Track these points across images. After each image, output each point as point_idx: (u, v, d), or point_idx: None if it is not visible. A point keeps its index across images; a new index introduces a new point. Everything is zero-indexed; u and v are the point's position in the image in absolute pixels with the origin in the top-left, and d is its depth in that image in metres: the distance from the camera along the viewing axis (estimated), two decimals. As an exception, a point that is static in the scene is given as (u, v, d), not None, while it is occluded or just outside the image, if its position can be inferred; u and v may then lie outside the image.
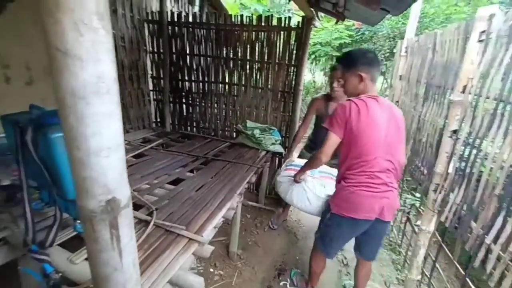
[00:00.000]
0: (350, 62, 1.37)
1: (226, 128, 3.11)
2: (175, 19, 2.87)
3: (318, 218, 2.58)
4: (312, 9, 2.24)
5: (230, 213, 1.53)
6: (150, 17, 2.99)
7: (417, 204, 2.02)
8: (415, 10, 2.92)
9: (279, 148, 2.59)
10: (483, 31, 1.38)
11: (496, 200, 1.14)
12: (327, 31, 5.07)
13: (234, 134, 3.01)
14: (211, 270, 1.91)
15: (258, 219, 2.63)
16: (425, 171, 1.92)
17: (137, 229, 1.23)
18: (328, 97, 2.09)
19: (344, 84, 1.43)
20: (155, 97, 3.29)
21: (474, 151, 1.35)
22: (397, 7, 1.55)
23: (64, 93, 0.45)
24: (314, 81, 7.38)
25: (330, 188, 1.69)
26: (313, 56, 6.08)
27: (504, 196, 1.10)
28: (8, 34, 1.79)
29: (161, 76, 3.11)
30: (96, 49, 0.44)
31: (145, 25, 3.01)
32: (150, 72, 3.22)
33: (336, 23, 2.75)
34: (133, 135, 2.77)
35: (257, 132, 2.60)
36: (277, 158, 2.88)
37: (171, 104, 3.23)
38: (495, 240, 1.11)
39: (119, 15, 2.69)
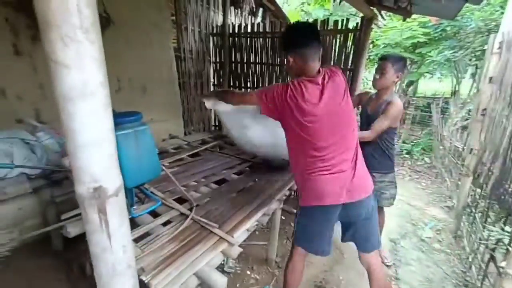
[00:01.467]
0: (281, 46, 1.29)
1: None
2: (235, 31, 3.08)
3: None
4: (372, 8, 2.07)
5: (265, 219, 1.54)
6: (215, 31, 3.30)
7: (506, 240, 1.58)
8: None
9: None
10: None
11: None
12: (396, 30, 4.51)
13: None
14: (248, 272, 1.94)
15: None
16: (517, 199, 1.50)
17: (177, 221, 1.36)
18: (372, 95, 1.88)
19: (289, 70, 1.30)
20: (215, 103, 3.59)
21: None
22: None
23: (57, 96, 0.55)
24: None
25: None
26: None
27: None
28: (106, 51, 2.28)
29: (221, 83, 3.37)
30: (81, 58, 0.53)
31: (211, 38, 3.34)
32: (212, 80, 3.54)
33: (404, 20, 2.45)
34: (193, 136, 3.08)
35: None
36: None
37: (228, 110, 3.46)
38: None
39: (189, 31, 3.07)
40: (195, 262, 1.10)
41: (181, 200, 1.57)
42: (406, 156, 4.80)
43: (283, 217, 2.65)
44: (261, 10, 4.41)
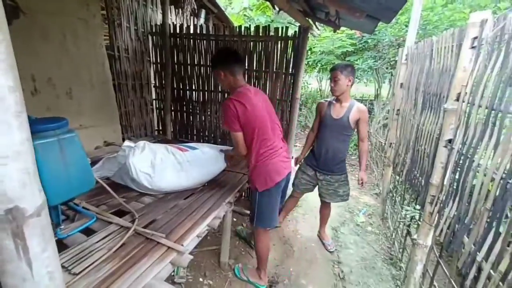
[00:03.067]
0: (212, 64, 1.66)
1: (226, 137, 3.13)
2: (177, 31, 2.96)
3: (317, 228, 2.55)
4: (307, 18, 2.26)
5: (216, 222, 1.52)
6: (153, 30, 3.10)
7: (417, 217, 1.92)
8: (414, 17, 2.88)
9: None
10: (475, 37, 1.34)
11: (487, 214, 1.07)
12: (329, 40, 5.07)
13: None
14: (201, 279, 1.88)
15: (254, 228, 2.59)
16: (423, 182, 1.84)
17: (117, 235, 1.24)
18: (331, 101, 2.15)
19: (222, 81, 1.66)
20: (157, 106, 3.38)
21: (467, 162, 1.28)
22: (385, 14, 1.53)
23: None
24: (320, 89, 7.35)
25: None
26: (319, 65, 6.08)
27: (495, 210, 1.03)
28: (16, 46, 1.90)
29: (164, 85, 3.19)
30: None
31: (149, 37, 3.13)
32: (153, 82, 3.32)
33: (334, 32, 2.75)
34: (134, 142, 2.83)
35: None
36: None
37: (173, 113, 3.30)
38: (486, 257, 1.03)
39: (123, 28, 2.81)
40: (140, 278, 1.01)
41: (121, 213, 1.43)
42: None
43: (234, 219, 2.67)
44: (203, 12, 4.34)
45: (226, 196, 1.76)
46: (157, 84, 3.29)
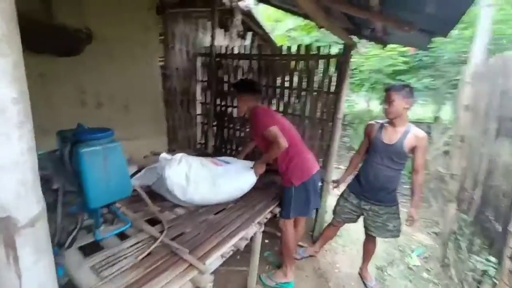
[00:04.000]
0: (239, 88, 2.00)
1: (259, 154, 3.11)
2: (222, 52, 3.15)
3: (358, 265, 2.26)
4: (352, 36, 2.17)
5: (242, 243, 1.45)
6: (202, 51, 3.36)
7: (491, 272, 1.54)
8: (481, 31, 2.52)
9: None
10: None
11: None
12: (378, 58, 4.79)
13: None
14: (224, 301, 1.81)
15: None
16: (499, 228, 1.49)
17: (145, 244, 1.27)
18: (383, 123, 1.94)
19: (244, 103, 1.95)
20: (202, 121, 3.57)
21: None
22: (440, 28, 1.35)
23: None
24: (369, 110, 6.91)
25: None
26: (367, 84, 5.77)
27: None
28: (87, 67, 2.24)
29: (208, 102, 3.38)
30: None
31: (198, 58, 3.39)
32: (199, 98, 3.55)
33: (383, 48, 2.58)
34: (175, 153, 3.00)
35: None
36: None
37: (215, 128, 3.44)
38: None
39: (176, 50, 3.11)
40: (160, 293, 1.00)
41: (154, 222, 1.48)
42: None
43: (266, 241, 2.55)
44: (250, 34, 4.57)
45: (257, 216, 1.70)
46: (203, 100, 3.50)
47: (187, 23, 3.16)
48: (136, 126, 2.77)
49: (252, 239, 1.72)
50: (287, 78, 2.76)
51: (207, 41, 3.49)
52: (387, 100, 1.78)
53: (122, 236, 1.33)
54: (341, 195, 2.17)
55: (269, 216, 1.82)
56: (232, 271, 2.09)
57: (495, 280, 1.42)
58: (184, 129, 3.44)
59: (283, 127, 1.81)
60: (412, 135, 1.77)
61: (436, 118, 4.70)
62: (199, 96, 3.54)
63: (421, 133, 1.77)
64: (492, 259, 1.60)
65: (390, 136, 1.84)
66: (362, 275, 2.22)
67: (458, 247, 2.19)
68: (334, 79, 2.44)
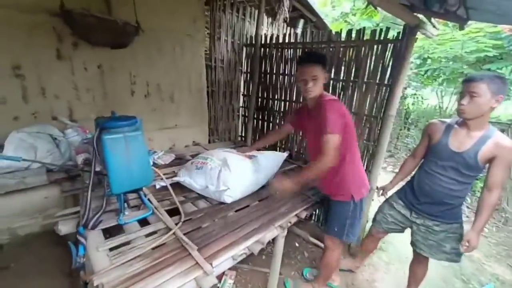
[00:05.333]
0: (323, 61, 1.53)
1: (301, 151, 2.91)
2: (267, 41, 3.01)
3: (403, 282, 1.92)
4: (417, 14, 1.76)
5: (257, 247, 1.35)
6: (248, 41, 3.28)
7: None
8: None
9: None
10: None
11: None
12: (457, 42, 3.83)
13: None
14: (240, 302, 1.76)
15: (318, 260, 2.24)
16: None
17: (162, 233, 1.29)
18: (451, 123, 1.54)
19: (319, 82, 1.52)
20: (243, 113, 3.55)
21: None
22: None
23: None
24: (440, 107, 5.82)
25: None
26: (441, 76, 4.82)
27: None
28: (137, 58, 2.41)
29: (250, 93, 3.31)
30: None
31: (243, 48, 3.33)
32: (242, 90, 3.52)
33: (461, 29, 2.04)
34: (215, 145, 3.06)
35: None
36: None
37: (255, 121, 3.37)
38: None
39: (222, 41, 3.11)
40: (162, 286, 0.99)
41: (176, 212, 1.50)
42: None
43: (296, 244, 2.40)
44: (301, 21, 4.28)
45: (279, 219, 1.57)
46: (245, 93, 3.46)
47: (234, 12, 3.11)
48: (179, 116, 2.91)
49: (274, 242, 1.61)
50: (339, 69, 2.46)
51: (253, 30, 3.40)
52: (465, 94, 1.35)
53: (144, 223, 1.39)
54: (386, 201, 1.86)
55: (294, 220, 1.66)
56: (255, 271, 2.02)
57: None
58: (225, 120, 3.48)
59: (351, 128, 1.51)
60: (492, 143, 1.35)
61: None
62: (242, 88, 3.51)
63: (507, 141, 1.34)
64: None
65: (459, 141, 1.44)
66: None
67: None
68: (390, 69, 2.06)
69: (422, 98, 6.29)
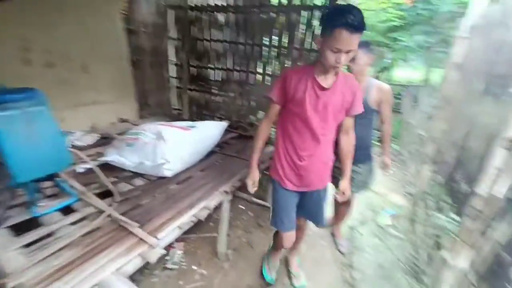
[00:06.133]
0: (363, 26, 1.09)
1: (241, 120, 2.94)
2: (197, 4, 2.76)
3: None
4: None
5: (204, 213, 1.36)
6: (175, 4, 2.94)
7: (451, 227, 1.54)
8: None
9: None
10: None
11: None
12: (372, 12, 4.30)
13: (248, 126, 2.82)
14: (194, 267, 1.79)
15: (261, 218, 2.42)
16: (467, 189, 1.44)
17: (93, 218, 1.16)
18: None
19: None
20: (176, 85, 3.30)
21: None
22: None
23: None
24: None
25: None
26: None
27: None
28: (30, 18, 1.90)
29: (180, 63, 3.07)
30: None
31: (170, 11, 2.98)
32: (173, 59, 3.22)
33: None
34: (149, 120, 2.80)
35: (268, 125, 2.35)
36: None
37: (191, 92, 3.19)
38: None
39: (142, 1, 2.70)
40: (97, 272, 0.91)
41: (108, 194, 1.36)
42: (378, 143, 4.82)
43: (241, 206, 2.52)
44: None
45: (223, 184, 1.60)
46: (177, 62, 3.18)
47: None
48: (98, 89, 2.51)
49: (220, 207, 1.65)
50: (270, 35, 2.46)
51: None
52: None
53: (68, 212, 1.22)
54: None
55: (238, 184, 1.72)
56: (203, 238, 2.07)
57: (454, 236, 1.40)
58: (156, 93, 3.18)
59: None
60: (375, 88, 1.64)
61: (426, 80, 4.49)
62: (172, 57, 3.21)
63: (385, 86, 1.65)
64: (456, 217, 1.59)
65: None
66: (333, 234, 2.25)
67: (427, 207, 2.22)
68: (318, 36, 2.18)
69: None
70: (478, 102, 1.60)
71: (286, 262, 1.86)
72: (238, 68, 2.77)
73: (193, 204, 1.35)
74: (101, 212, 1.20)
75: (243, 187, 1.81)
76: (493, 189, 1.09)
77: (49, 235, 1.06)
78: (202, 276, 1.75)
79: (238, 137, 2.56)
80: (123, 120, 2.71)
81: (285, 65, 2.40)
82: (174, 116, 3.12)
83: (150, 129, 1.68)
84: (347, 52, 1.04)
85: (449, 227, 1.53)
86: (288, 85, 1.21)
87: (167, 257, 1.79)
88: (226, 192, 1.59)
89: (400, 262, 2.05)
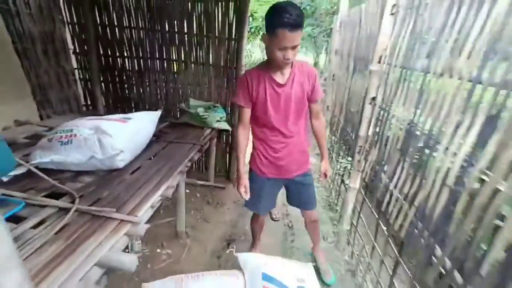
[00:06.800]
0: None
1: (169, 108, 2.95)
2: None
3: None
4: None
5: (169, 191, 1.49)
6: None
7: (349, 166, 2.26)
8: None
9: (224, 125, 2.57)
10: (394, 5, 1.52)
11: (398, 153, 1.34)
12: (270, 4, 4.99)
13: (179, 114, 2.88)
14: (158, 250, 1.88)
15: (209, 196, 2.65)
16: (353, 136, 2.13)
17: (56, 219, 1.11)
18: None
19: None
20: (82, 77, 2.91)
21: (385, 115, 1.54)
22: None
23: None
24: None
25: None
26: (259, 31, 5.99)
27: (403, 149, 1.30)
28: None
29: (86, 52, 2.73)
30: None
31: (58, -11, 2.55)
32: (71, 47, 2.80)
33: (274, -5, 2.72)
34: (55, 120, 2.42)
35: (201, 110, 2.52)
36: (224, 136, 2.87)
37: (103, 84, 2.90)
38: (396, 186, 1.32)
39: (17, -27, 2.21)
40: (95, 252, 0.96)
41: (55, 197, 1.27)
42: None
43: (187, 190, 2.66)
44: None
45: (177, 166, 1.73)
46: (78, 50, 2.79)
47: None
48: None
49: (177, 188, 1.77)
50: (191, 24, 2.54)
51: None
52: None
53: (17, 220, 1.10)
54: None
55: (189, 164, 1.88)
56: (159, 225, 2.13)
57: (351, 171, 2.07)
58: (59, 88, 2.73)
59: None
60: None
61: (316, 64, 5.65)
62: (71, 45, 2.79)
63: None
64: (350, 158, 2.31)
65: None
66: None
67: (331, 160, 3.02)
68: (233, 25, 2.45)
69: (250, 52, 7.61)
70: (351, 77, 2.32)
71: (314, 259, 1.86)
72: (157, 56, 2.74)
73: (158, 186, 1.45)
74: (62, 210, 1.16)
75: (187, 172, 1.97)
76: (367, 131, 1.74)
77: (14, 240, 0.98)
78: (168, 255, 1.87)
79: (170, 125, 2.62)
80: (20, 123, 2.25)
81: (209, 53, 2.59)
82: (86, 113, 2.79)
83: (84, 125, 1.58)
84: (293, 48, 1.13)
85: (348, 166, 2.22)
86: (250, 87, 1.26)
87: (126, 250, 1.79)
88: (181, 172, 1.73)
89: (319, 202, 2.75)
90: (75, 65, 2.86)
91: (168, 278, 1.43)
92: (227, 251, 1.93)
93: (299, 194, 1.58)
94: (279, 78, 1.28)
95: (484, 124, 0.84)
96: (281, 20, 1.06)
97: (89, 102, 3.00)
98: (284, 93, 1.28)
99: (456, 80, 0.96)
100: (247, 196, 1.47)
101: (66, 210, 1.15)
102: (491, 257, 0.76)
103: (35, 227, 1.07)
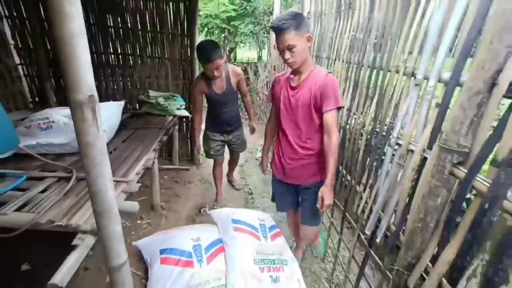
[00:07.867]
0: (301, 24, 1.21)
1: (129, 100, 3.10)
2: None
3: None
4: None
5: (149, 163, 1.80)
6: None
7: None
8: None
9: (184, 112, 2.88)
10: (309, 12, 2.10)
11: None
12: (214, 3, 5.34)
13: (137, 105, 3.05)
14: (138, 221, 2.15)
15: (176, 177, 2.94)
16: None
17: (59, 186, 1.35)
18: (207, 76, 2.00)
19: (304, 48, 1.25)
20: (26, 73, 2.83)
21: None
22: None
23: None
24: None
25: None
26: (206, 29, 6.27)
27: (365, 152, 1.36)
28: None
29: (32, 47, 2.68)
30: None
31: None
32: (12, 41, 2.70)
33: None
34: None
35: (161, 100, 2.78)
36: (184, 122, 3.17)
37: (53, 80, 2.88)
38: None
39: None
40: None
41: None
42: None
43: (155, 174, 2.90)
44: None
45: (151, 144, 2.02)
46: (20, 46, 2.71)
47: None
48: None
49: (152, 165, 2.06)
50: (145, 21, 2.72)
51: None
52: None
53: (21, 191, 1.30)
54: (208, 140, 2.34)
55: (159, 145, 2.17)
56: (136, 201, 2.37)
57: None
58: (1, 84, 2.63)
59: None
60: (231, 72, 2.07)
61: (259, 58, 6.23)
62: (11, 40, 2.69)
63: (237, 69, 2.13)
64: None
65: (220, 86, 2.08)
66: (229, 179, 3.08)
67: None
68: (185, 22, 2.76)
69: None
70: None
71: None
72: (111, 51, 2.86)
73: (139, 158, 1.75)
74: (63, 179, 1.39)
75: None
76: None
77: (31, 199, 1.20)
78: (149, 224, 2.16)
79: (132, 116, 2.81)
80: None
81: (164, 48, 2.84)
82: (35, 110, 2.75)
83: (57, 113, 1.75)
84: (288, 49, 1.17)
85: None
86: (275, 87, 1.42)
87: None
88: (155, 150, 2.04)
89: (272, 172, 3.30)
90: (17, 60, 2.77)
91: (154, 234, 1.78)
92: (201, 213, 2.30)
93: (302, 204, 1.54)
94: (294, 81, 1.34)
95: (353, 88, 1.44)
96: (271, 23, 1.25)
97: (37, 99, 2.93)
98: (294, 96, 1.32)
99: (341, 63, 1.56)
100: (265, 173, 1.80)
101: (66, 179, 1.39)
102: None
103: (42, 191, 1.30)
